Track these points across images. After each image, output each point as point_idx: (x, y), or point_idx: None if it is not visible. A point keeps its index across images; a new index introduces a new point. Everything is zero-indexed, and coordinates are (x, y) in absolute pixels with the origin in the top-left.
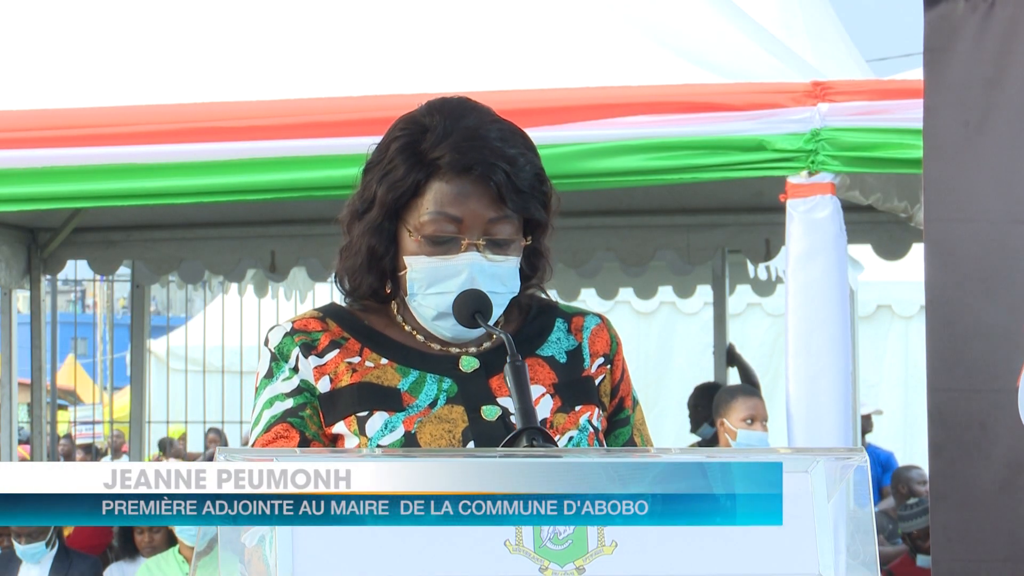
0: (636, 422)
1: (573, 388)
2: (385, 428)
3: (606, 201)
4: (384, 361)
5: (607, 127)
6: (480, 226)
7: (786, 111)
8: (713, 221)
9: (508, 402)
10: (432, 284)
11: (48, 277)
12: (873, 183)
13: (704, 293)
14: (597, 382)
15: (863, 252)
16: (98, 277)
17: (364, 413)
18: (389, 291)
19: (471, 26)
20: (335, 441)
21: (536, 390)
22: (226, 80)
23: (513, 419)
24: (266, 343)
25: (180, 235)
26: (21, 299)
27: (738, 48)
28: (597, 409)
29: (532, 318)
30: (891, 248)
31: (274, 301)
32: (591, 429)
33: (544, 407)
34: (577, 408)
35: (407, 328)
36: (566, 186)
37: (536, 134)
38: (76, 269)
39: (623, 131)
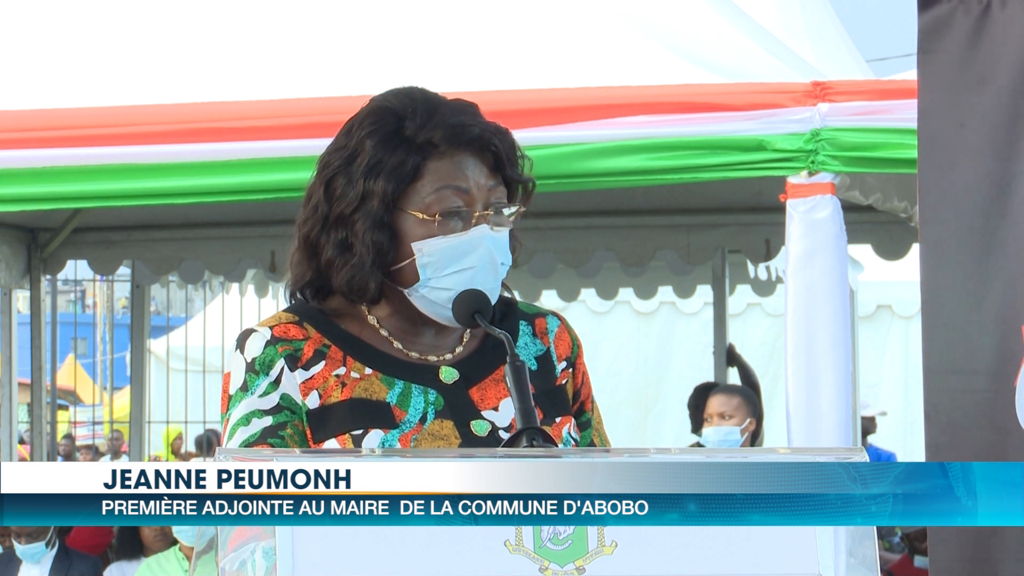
0: (595, 422)
1: (551, 398)
2: (382, 447)
3: (606, 201)
4: (368, 371)
5: (607, 127)
6: (484, 195)
7: (786, 111)
8: (713, 221)
9: (493, 415)
10: (449, 263)
11: (48, 277)
12: (873, 183)
13: (704, 293)
14: (563, 385)
15: (863, 252)
16: (98, 277)
17: (359, 431)
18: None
19: (471, 26)
20: None
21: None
22: (226, 80)
23: (502, 433)
24: (240, 350)
25: (180, 235)
26: (21, 299)
27: (738, 48)
28: (572, 419)
29: (498, 319)
30: (891, 248)
31: (274, 301)
32: (573, 441)
33: None
34: (558, 420)
35: (383, 333)
36: (566, 186)
37: (536, 134)
38: (76, 269)
39: (623, 131)
